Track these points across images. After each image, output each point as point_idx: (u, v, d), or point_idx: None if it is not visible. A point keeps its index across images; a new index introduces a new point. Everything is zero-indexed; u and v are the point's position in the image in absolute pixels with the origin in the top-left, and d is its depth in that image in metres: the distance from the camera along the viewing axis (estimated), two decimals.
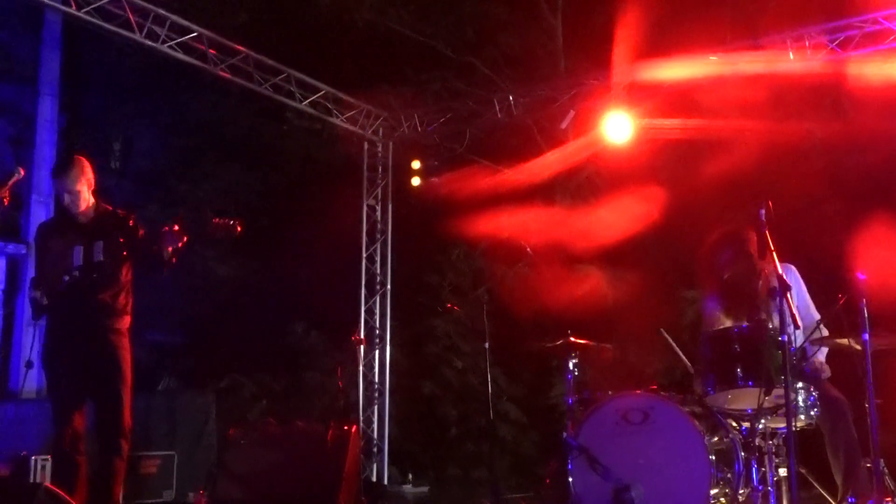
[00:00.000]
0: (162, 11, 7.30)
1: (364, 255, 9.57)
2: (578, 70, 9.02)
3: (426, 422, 10.58)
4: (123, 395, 5.04)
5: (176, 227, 4.88)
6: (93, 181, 5.20)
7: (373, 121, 9.51)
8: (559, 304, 8.91)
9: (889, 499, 4.53)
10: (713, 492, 4.87)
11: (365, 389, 9.32)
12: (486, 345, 6.39)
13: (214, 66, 7.85)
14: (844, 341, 4.77)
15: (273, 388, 10.59)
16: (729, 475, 4.98)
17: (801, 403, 4.91)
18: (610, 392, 5.28)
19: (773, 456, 4.98)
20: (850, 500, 4.90)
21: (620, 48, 8.08)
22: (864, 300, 4.57)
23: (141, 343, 5.34)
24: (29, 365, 5.50)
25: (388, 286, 9.57)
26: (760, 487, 4.85)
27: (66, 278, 4.93)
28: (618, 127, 7.99)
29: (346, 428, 6.19)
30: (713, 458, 4.88)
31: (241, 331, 10.77)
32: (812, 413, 4.99)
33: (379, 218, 9.67)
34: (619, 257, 9.59)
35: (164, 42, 7.39)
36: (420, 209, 9.96)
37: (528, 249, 7.03)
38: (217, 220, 5.03)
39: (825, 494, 5.12)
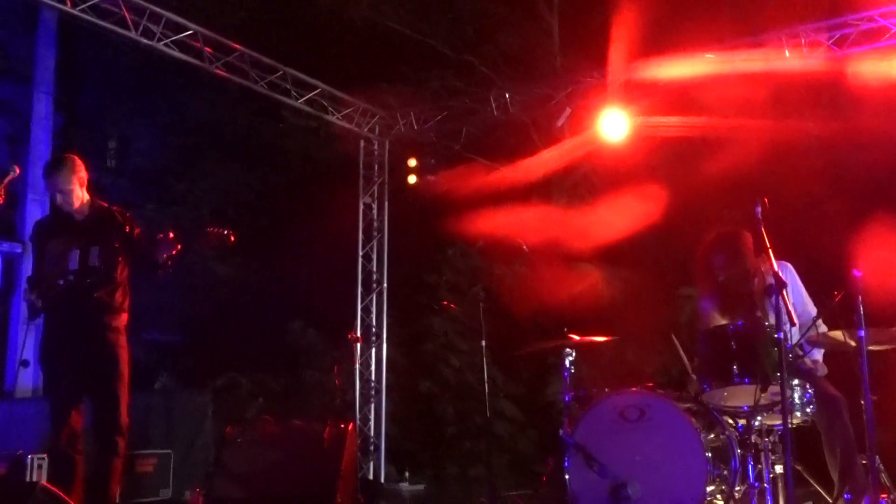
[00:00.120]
0: (157, 9, 7.29)
1: (360, 253, 9.57)
2: (575, 68, 9.02)
3: (423, 420, 10.60)
4: (121, 393, 5.04)
5: (171, 235, 4.91)
6: (85, 179, 5.20)
7: (369, 119, 9.51)
8: (556, 302, 8.93)
9: (885, 495, 4.55)
10: (709, 489, 4.88)
11: (362, 388, 9.33)
12: (483, 343, 6.40)
13: (210, 64, 7.84)
14: (839, 334, 4.78)
15: (270, 386, 10.59)
16: (725, 472, 4.98)
17: (797, 400, 4.93)
18: (607, 389, 5.29)
19: (770, 453, 4.98)
20: (846, 496, 4.91)
21: (617, 46, 8.09)
22: (861, 297, 4.58)
23: (138, 342, 5.34)
24: (24, 364, 5.51)
25: (385, 284, 9.57)
26: (756, 484, 4.86)
27: (61, 282, 4.95)
28: (614, 125, 8.00)
29: (342, 426, 6.20)
30: (709, 455, 4.88)
31: (237, 329, 10.78)
32: (808, 410, 5.00)
33: (375, 216, 9.68)
34: (616, 255, 9.60)
35: (159, 40, 7.39)
36: (417, 207, 9.96)
37: (525, 247, 7.03)
38: (211, 228, 5.05)
39: (821, 491, 5.14)
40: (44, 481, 4.72)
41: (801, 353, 5.19)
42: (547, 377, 9.54)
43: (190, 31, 7.56)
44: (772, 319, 4.68)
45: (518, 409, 10.13)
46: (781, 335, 4.56)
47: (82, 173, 5.18)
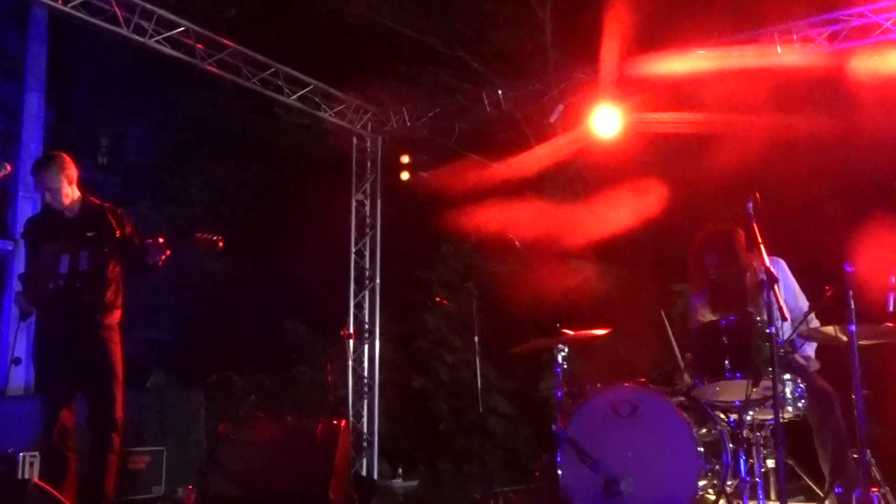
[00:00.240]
0: (149, 6, 7.28)
1: (353, 249, 9.58)
2: (567, 64, 9.03)
3: (417, 416, 10.61)
4: (115, 390, 5.05)
5: (161, 240, 4.91)
6: (74, 176, 5.19)
7: (362, 115, 9.51)
8: (550, 299, 8.94)
9: (875, 489, 4.55)
10: (702, 483, 4.90)
11: (355, 384, 9.34)
12: (476, 339, 6.41)
13: (202, 61, 7.83)
14: (830, 329, 4.79)
15: (263, 383, 10.59)
16: (717, 467, 5.00)
17: (788, 395, 4.94)
18: (599, 385, 5.30)
19: (761, 447, 5.01)
20: (837, 490, 4.92)
21: (609, 43, 8.09)
22: (852, 292, 4.59)
23: (132, 339, 5.33)
24: (16, 362, 5.50)
25: (378, 281, 9.58)
26: (748, 479, 4.87)
27: (52, 286, 4.97)
28: (606, 121, 8.01)
29: (335, 423, 6.20)
30: (702, 449, 4.90)
31: (230, 327, 10.77)
32: (800, 405, 5.02)
33: (368, 213, 9.68)
34: (609, 251, 9.61)
35: (151, 37, 7.37)
36: (410, 204, 9.97)
37: (518, 244, 7.03)
38: (200, 234, 5.05)
39: (812, 485, 5.15)
40: (36, 479, 4.72)
41: (790, 348, 5.20)
42: (540, 373, 9.56)
43: (182, 28, 7.55)
44: (764, 315, 4.70)
45: (511, 405, 10.14)
46: (773, 330, 4.58)
47: (71, 171, 5.17)
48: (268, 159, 12.23)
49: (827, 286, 4.81)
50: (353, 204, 9.66)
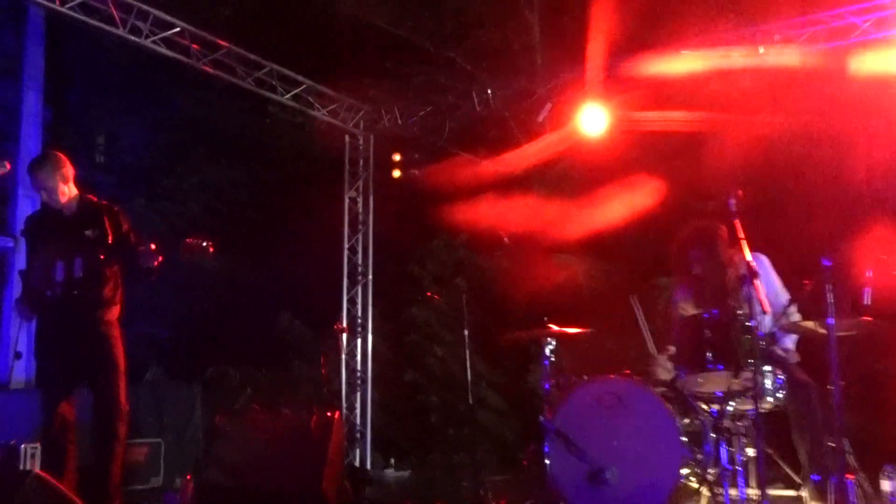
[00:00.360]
0: (145, 6, 7.27)
1: (346, 246, 9.59)
2: (555, 64, 9.05)
3: (408, 408, 10.63)
4: (117, 382, 5.10)
5: (153, 247, 4.94)
6: (70, 175, 5.21)
7: (354, 114, 9.53)
8: (537, 293, 8.98)
9: (851, 477, 4.62)
10: (684, 472, 4.96)
11: (348, 377, 9.36)
12: (466, 333, 6.44)
13: (197, 61, 7.83)
14: (809, 323, 4.85)
15: (258, 377, 10.61)
16: (699, 456, 5.06)
17: (768, 386, 5.01)
18: (585, 377, 5.36)
19: (742, 437, 5.06)
20: (814, 478, 5.00)
21: (595, 43, 8.13)
22: (830, 286, 4.66)
23: (130, 335, 5.37)
24: (17, 356, 5.53)
25: (370, 276, 9.60)
26: (729, 467, 4.93)
27: (49, 293, 5.01)
28: (593, 119, 8.05)
29: (329, 415, 6.23)
30: (684, 439, 4.96)
31: (226, 322, 10.79)
32: (779, 395, 5.08)
33: (360, 209, 9.70)
34: (595, 247, 9.64)
35: (147, 37, 7.37)
36: (401, 201, 9.99)
37: (507, 240, 7.08)
38: (190, 240, 5.09)
39: (791, 474, 5.21)
40: (37, 469, 4.75)
41: (770, 341, 5.27)
42: (528, 366, 9.59)
43: (177, 29, 7.55)
44: (745, 308, 4.76)
45: (500, 397, 10.17)
46: (754, 323, 4.65)
47: (66, 170, 5.19)
48: (262, 158, 12.23)
49: (805, 281, 4.88)
50: (346, 201, 9.67)
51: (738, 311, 4.94)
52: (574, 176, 10.11)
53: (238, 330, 10.71)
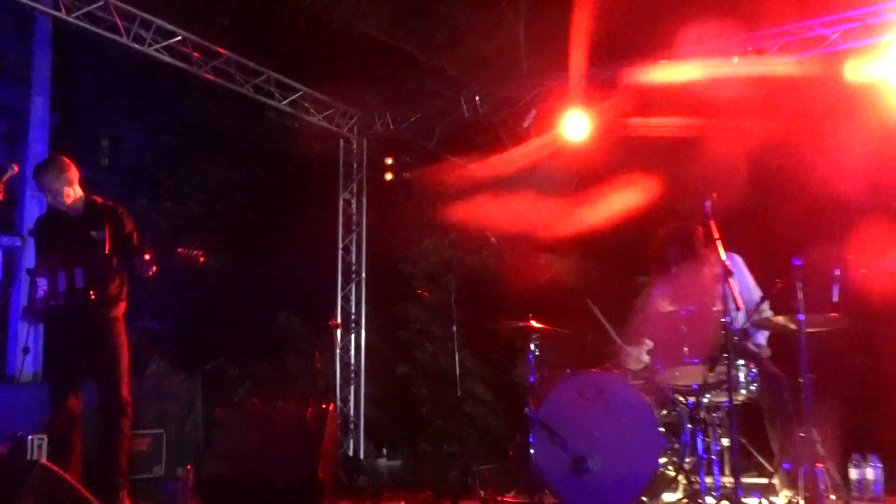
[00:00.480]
0: (148, 16, 7.25)
1: (340, 245, 9.59)
2: (540, 72, 9.06)
3: (399, 400, 10.62)
4: (120, 379, 5.09)
5: (147, 257, 4.94)
6: (74, 178, 5.19)
7: (348, 119, 9.53)
8: (523, 290, 8.99)
9: (820, 465, 4.65)
10: (662, 460, 4.98)
11: (342, 371, 9.36)
12: (455, 328, 6.46)
13: (198, 68, 7.82)
14: (780, 318, 4.88)
15: (256, 370, 10.58)
16: (676, 445, 5.09)
17: (742, 379, 5.03)
18: (568, 371, 5.38)
19: (717, 427, 5.08)
20: (785, 466, 5.03)
21: (578, 52, 8.15)
22: (801, 284, 4.69)
23: (133, 330, 5.36)
24: (25, 351, 5.52)
25: (363, 275, 9.60)
26: (705, 456, 4.96)
27: (53, 303, 5.02)
28: (576, 125, 8.07)
29: (324, 407, 6.23)
30: (662, 429, 4.99)
31: (225, 318, 10.75)
32: (752, 388, 5.11)
33: (354, 211, 9.70)
34: (578, 247, 9.66)
35: (150, 45, 7.35)
36: (393, 202, 9.99)
37: (493, 240, 7.10)
38: (181, 249, 5.09)
39: (763, 462, 5.25)
40: (43, 460, 4.74)
41: (743, 336, 5.29)
42: (514, 360, 9.60)
43: (179, 38, 7.53)
44: (720, 305, 4.79)
45: (487, 389, 10.17)
46: (728, 319, 4.67)
47: (70, 173, 5.17)
48: (260, 160, 12.19)
49: (777, 279, 4.91)
50: (341, 202, 9.67)
51: (713, 308, 4.97)
52: (558, 179, 10.12)
53: (237, 325, 10.68)
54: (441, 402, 10.24)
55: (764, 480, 5.17)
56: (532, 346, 5.62)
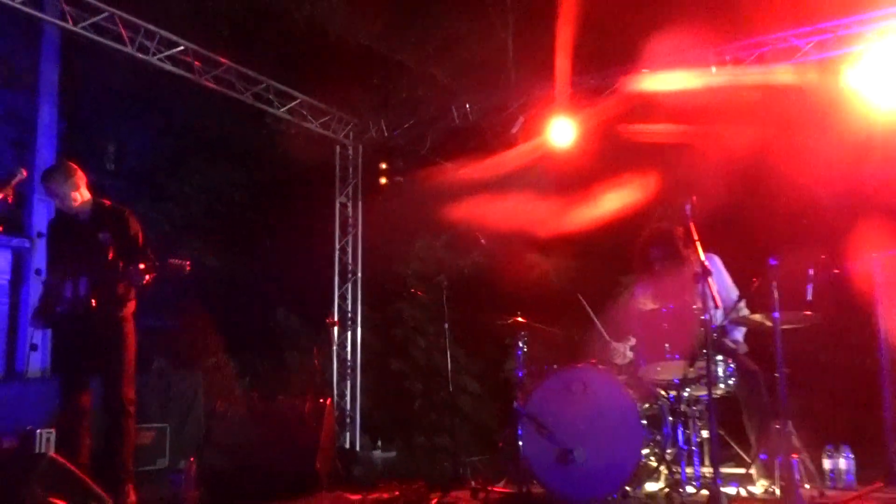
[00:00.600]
0: (151, 27, 7.24)
1: (337, 246, 9.58)
2: (527, 81, 9.07)
3: (394, 395, 10.62)
4: (124, 380, 5.08)
5: (141, 266, 4.93)
6: (81, 182, 5.17)
7: (344, 126, 9.52)
8: (512, 289, 9.00)
9: (795, 455, 4.67)
10: (645, 452, 5.00)
11: (339, 367, 9.35)
12: (446, 326, 6.46)
13: (200, 77, 7.80)
14: (757, 316, 4.90)
15: (256, 366, 10.56)
16: (658, 437, 5.10)
17: (720, 374, 5.05)
18: (555, 366, 5.38)
19: (697, 420, 5.11)
20: (762, 457, 5.05)
21: (563, 62, 8.16)
22: (775, 283, 4.70)
23: (138, 327, 5.35)
24: (34, 347, 5.51)
25: (359, 274, 9.59)
26: (685, 447, 4.98)
27: (60, 309, 5.01)
28: (562, 131, 8.08)
29: (321, 401, 6.24)
30: (645, 422, 5.00)
31: (226, 315, 10.72)
32: (730, 382, 5.13)
33: (350, 213, 9.69)
34: (564, 247, 9.68)
35: (153, 55, 7.33)
36: (388, 205, 9.98)
37: (483, 241, 7.10)
38: (171, 261, 5.09)
39: (741, 452, 5.27)
40: (51, 453, 4.72)
41: (722, 333, 5.31)
42: (503, 356, 9.60)
43: (181, 47, 7.52)
44: (699, 303, 4.80)
45: (478, 384, 10.18)
46: (707, 317, 4.68)
47: (77, 178, 5.15)
48: (260, 165, 12.16)
49: (754, 278, 4.92)
50: (337, 205, 9.66)
51: (693, 306, 4.98)
52: (544, 183, 10.13)
53: (237, 323, 10.65)
54: (433, 397, 10.25)
55: (742, 470, 5.19)
56: (520, 343, 5.63)
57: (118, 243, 5.10)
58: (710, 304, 4.63)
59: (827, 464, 5.49)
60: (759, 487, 5.03)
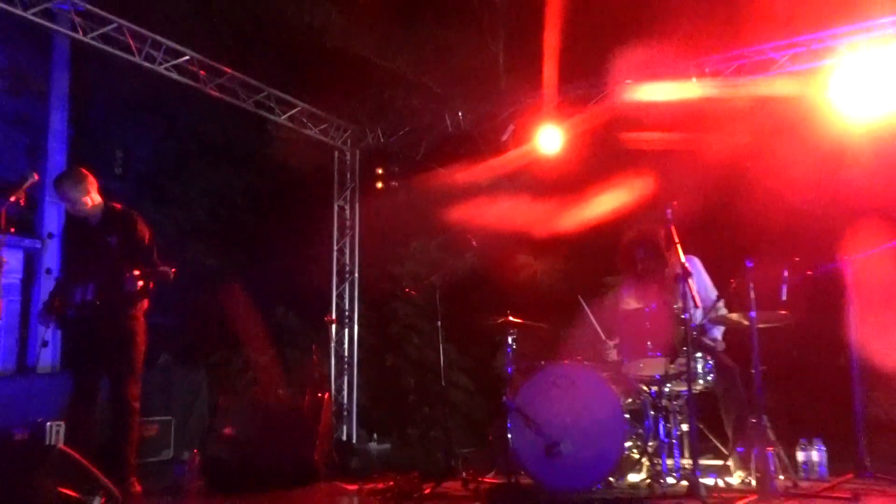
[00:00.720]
0: (158, 37, 7.22)
1: (335, 247, 9.58)
2: (517, 90, 9.08)
3: (389, 389, 10.61)
4: (130, 373, 5.07)
5: (137, 272, 4.95)
6: (91, 187, 5.17)
7: (342, 133, 9.51)
8: (502, 289, 9.00)
9: (770, 448, 4.69)
10: (627, 444, 5.01)
11: (336, 363, 9.34)
12: (439, 323, 6.46)
13: (204, 85, 7.79)
14: (735, 316, 4.92)
15: (258, 361, 10.53)
16: (640, 430, 5.12)
17: (699, 370, 5.07)
18: (542, 362, 5.39)
19: (677, 414, 5.13)
20: (739, 449, 5.07)
21: (550, 72, 8.18)
22: (752, 284, 4.73)
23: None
24: (44, 344, 5.50)
25: (356, 274, 9.59)
26: (666, 440, 5.00)
27: (70, 312, 5.01)
28: (550, 138, 8.09)
29: (320, 395, 6.23)
30: (628, 416, 5.02)
31: (229, 314, 10.69)
32: (709, 378, 5.15)
33: (348, 216, 9.68)
34: (552, 249, 9.69)
35: (160, 64, 7.32)
36: (383, 208, 9.97)
37: (474, 243, 7.11)
38: (160, 268, 5.10)
39: (719, 445, 5.28)
40: (61, 445, 4.71)
41: (701, 331, 5.33)
42: (494, 352, 9.61)
43: (186, 57, 7.50)
44: (679, 303, 4.82)
45: (469, 379, 10.17)
46: (687, 316, 4.70)
47: (87, 183, 5.15)
48: (261, 169, 12.15)
49: (732, 279, 4.95)
50: (335, 208, 9.65)
51: (674, 306, 5.00)
52: (533, 188, 10.15)
53: (239, 321, 10.61)
54: (427, 391, 10.24)
55: (719, 462, 5.21)
56: (510, 340, 5.64)
57: (126, 246, 5.09)
58: (690, 303, 4.65)
59: (800, 456, 5.52)
60: (735, 478, 5.05)
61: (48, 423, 5.74)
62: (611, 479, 4.98)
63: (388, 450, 9.22)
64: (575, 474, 4.89)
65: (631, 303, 5.54)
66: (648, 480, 4.96)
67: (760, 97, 7.09)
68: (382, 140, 9.37)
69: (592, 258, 8.68)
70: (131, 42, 7.04)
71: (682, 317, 4.72)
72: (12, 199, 4.75)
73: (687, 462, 5.03)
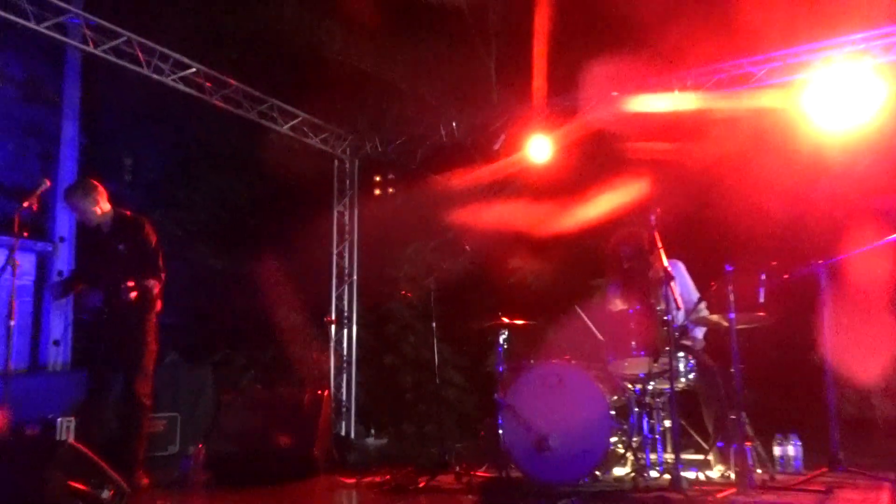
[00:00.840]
0: (166, 50, 7.22)
1: (334, 251, 9.57)
2: (508, 101, 9.10)
3: (386, 387, 10.59)
4: (141, 373, 5.07)
5: (131, 283, 4.98)
6: (99, 197, 5.16)
7: (342, 142, 9.51)
8: (494, 291, 9.00)
9: (749, 443, 4.70)
10: (613, 439, 5.02)
11: (336, 361, 9.32)
12: (434, 324, 6.46)
13: (210, 97, 7.78)
14: (715, 318, 4.93)
15: (260, 360, 10.52)
16: (625, 426, 5.12)
17: (681, 369, 5.09)
18: (532, 361, 5.40)
19: (660, 411, 5.14)
20: (719, 444, 5.08)
21: (540, 84, 8.20)
22: (731, 287, 4.74)
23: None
24: (56, 343, 5.49)
25: (355, 277, 9.58)
26: (650, 436, 5.00)
27: (85, 317, 5.04)
28: (540, 148, 8.11)
29: (319, 392, 6.22)
30: (613, 413, 5.02)
31: (232, 314, 10.68)
32: (690, 377, 5.16)
33: (347, 221, 9.67)
34: (542, 253, 9.69)
35: (167, 76, 7.31)
36: (381, 214, 9.97)
37: (468, 247, 7.11)
38: (147, 282, 5.14)
39: (700, 440, 5.29)
40: (71, 440, 4.70)
41: (683, 332, 5.33)
42: (486, 351, 9.60)
43: (193, 69, 7.50)
44: (663, 305, 4.83)
45: (463, 377, 10.16)
46: (670, 318, 4.71)
47: (96, 193, 5.15)
48: (264, 177, 12.13)
49: (712, 282, 4.96)
50: (335, 214, 9.64)
51: (658, 308, 5.01)
52: (524, 195, 10.15)
53: (243, 320, 10.60)
54: (422, 389, 10.23)
55: (700, 457, 5.22)
56: (501, 340, 5.65)
57: (134, 252, 5.09)
58: (673, 305, 4.66)
59: (777, 450, 5.53)
60: (715, 472, 5.06)
61: (59, 419, 5.73)
62: (597, 472, 4.98)
63: (385, 445, 9.21)
64: (563, 468, 4.90)
65: (617, 304, 5.55)
66: (633, 474, 4.96)
67: (739, 109, 7.11)
68: (380, 149, 9.36)
69: (581, 261, 8.70)
70: (140, 55, 7.03)
71: (665, 318, 4.73)
72: (26, 204, 4.75)
73: (669, 456, 5.04)
